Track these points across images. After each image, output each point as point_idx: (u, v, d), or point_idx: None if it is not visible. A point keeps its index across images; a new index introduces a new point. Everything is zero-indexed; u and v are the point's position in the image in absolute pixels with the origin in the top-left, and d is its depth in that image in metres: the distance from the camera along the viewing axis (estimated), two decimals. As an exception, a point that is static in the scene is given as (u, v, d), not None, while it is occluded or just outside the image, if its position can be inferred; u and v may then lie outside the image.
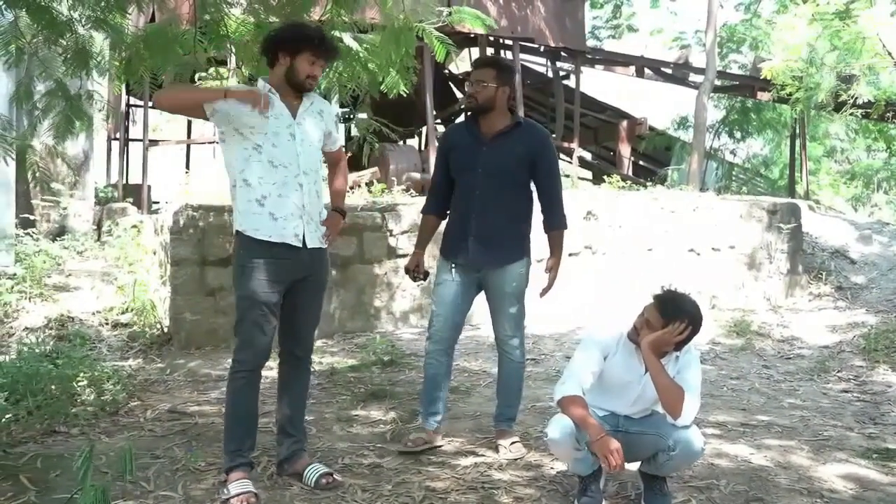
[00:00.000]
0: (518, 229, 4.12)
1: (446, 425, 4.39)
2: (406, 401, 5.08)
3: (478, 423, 4.66)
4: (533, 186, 4.18)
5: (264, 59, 3.66)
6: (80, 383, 5.04)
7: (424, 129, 17.07)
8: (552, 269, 4.15)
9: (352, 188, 9.94)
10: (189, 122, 17.59)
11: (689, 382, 3.34)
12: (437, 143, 4.23)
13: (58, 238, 9.97)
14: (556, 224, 4.17)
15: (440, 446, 4.20)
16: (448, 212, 4.27)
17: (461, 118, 4.37)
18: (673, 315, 3.30)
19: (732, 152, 19.91)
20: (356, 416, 4.83)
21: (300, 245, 3.56)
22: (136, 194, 12.20)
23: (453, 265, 4.13)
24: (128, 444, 3.71)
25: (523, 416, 4.87)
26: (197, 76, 7.89)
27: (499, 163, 4.04)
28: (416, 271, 4.25)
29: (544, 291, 4.16)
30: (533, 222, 4.19)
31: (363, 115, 11.38)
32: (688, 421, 3.29)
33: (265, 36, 3.74)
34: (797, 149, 16.98)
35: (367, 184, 9.76)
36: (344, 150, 4.06)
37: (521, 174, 4.09)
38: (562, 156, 17.83)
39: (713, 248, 8.45)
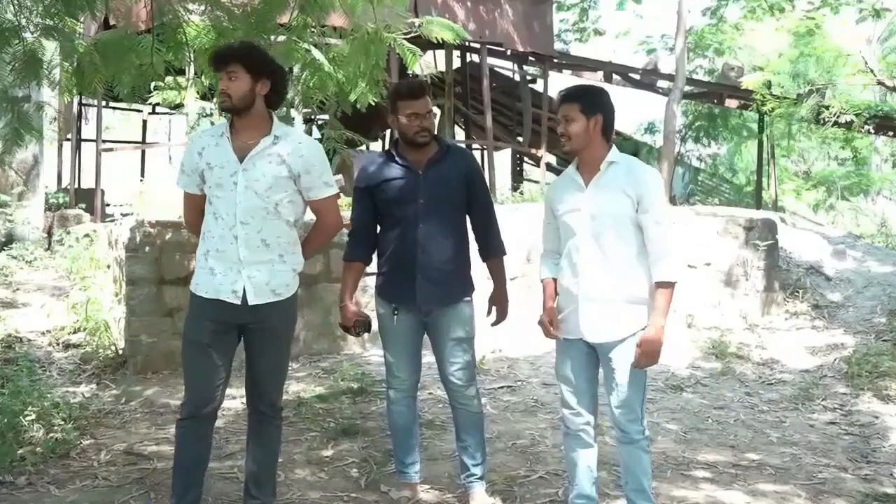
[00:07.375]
0: (464, 261, 3.78)
1: (423, 469, 4.11)
2: (379, 438, 4.79)
3: (456, 464, 4.37)
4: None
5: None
6: (27, 418, 4.68)
7: (388, 133, 16.80)
8: (499, 301, 3.85)
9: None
10: (144, 123, 17.07)
11: (651, 238, 3.33)
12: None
13: (6, 247, 9.51)
14: (496, 250, 3.85)
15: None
16: (373, 255, 3.86)
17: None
18: (579, 97, 3.43)
19: (699, 158, 19.85)
20: (327, 457, 4.53)
21: (238, 302, 3.29)
22: (89, 199, 11.69)
23: (396, 309, 3.72)
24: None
25: (504, 456, 4.62)
26: (153, 85, 7.53)
27: (440, 190, 3.67)
28: (357, 326, 3.73)
29: (496, 324, 3.88)
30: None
31: (326, 116, 11.08)
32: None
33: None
34: (765, 156, 16.89)
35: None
36: (334, 198, 3.55)
37: (460, 200, 3.75)
38: (529, 161, 17.65)
39: (689, 266, 8.24)
